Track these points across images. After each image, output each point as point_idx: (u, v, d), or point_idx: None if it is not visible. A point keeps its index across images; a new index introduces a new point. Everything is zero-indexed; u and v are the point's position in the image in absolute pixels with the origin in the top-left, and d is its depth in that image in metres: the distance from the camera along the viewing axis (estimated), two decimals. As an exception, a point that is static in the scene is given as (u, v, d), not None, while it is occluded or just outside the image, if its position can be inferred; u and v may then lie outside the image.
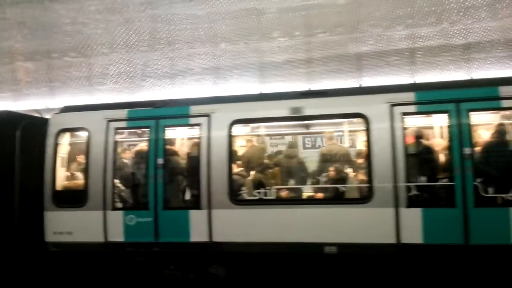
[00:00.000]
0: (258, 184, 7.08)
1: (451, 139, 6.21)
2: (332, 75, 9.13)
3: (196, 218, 6.84)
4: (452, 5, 6.74)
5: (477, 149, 6.31)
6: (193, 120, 7.21)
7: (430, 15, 7.01)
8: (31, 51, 8.43)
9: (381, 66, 8.78)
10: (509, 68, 8.42)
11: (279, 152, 8.44)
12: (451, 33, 7.53)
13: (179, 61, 8.82)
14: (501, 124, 6.38)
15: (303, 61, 8.69)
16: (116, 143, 7.44)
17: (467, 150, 6.06)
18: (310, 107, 6.82)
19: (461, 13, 6.93)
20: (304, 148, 10.10)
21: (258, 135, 8.51)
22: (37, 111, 10.04)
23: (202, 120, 7.09)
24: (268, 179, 7.27)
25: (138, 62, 8.89)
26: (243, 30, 7.60)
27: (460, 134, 6.12)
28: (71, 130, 7.87)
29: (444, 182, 6.21)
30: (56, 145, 7.61)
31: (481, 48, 7.95)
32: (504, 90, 6.12)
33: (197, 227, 6.83)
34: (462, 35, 7.57)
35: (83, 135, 7.71)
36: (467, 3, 6.68)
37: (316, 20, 7.24)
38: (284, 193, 7.11)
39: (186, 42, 8.07)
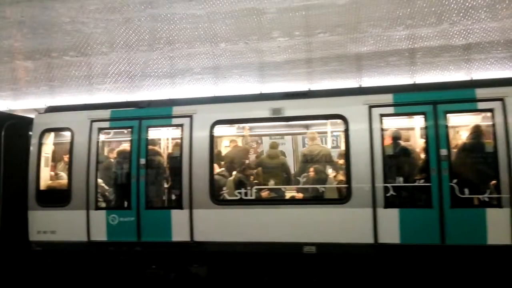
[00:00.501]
0: (239, 184, 7.13)
1: (428, 141, 6.25)
2: (332, 75, 9.14)
3: (178, 218, 6.90)
4: (452, 5, 6.74)
5: (454, 150, 6.38)
6: (175, 121, 7.27)
7: (430, 16, 7.02)
8: (30, 50, 8.43)
9: (381, 67, 8.78)
10: (509, 69, 8.43)
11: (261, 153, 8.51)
12: (451, 33, 7.53)
13: (179, 61, 8.82)
14: (477, 126, 6.42)
15: (303, 61, 8.68)
16: (99, 143, 7.50)
17: (443, 151, 6.10)
18: (291, 108, 6.87)
19: (461, 14, 6.94)
20: (304, 147, 10.12)
21: (239, 136, 8.58)
22: (37, 110, 10.04)
23: (184, 120, 7.13)
24: (249, 180, 7.32)
25: (138, 62, 8.90)
26: (243, 30, 7.60)
27: (437, 136, 6.16)
28: (55, 130, 7.94)
29: (420, 183, 6.29)
30: (40, 145, 7.66)
31: (481, 48, 7.96)
32: (480, 92, 6.15)
33: (179, 226, 6.88)
34: (462, 35, 7.58)
35: (67, 135, 7.76)
36: (467, 4, 6.68)
37: (316, 20, 7.25)
38: (264, 194, 7.17)
39: (186, 41, 8.07)
